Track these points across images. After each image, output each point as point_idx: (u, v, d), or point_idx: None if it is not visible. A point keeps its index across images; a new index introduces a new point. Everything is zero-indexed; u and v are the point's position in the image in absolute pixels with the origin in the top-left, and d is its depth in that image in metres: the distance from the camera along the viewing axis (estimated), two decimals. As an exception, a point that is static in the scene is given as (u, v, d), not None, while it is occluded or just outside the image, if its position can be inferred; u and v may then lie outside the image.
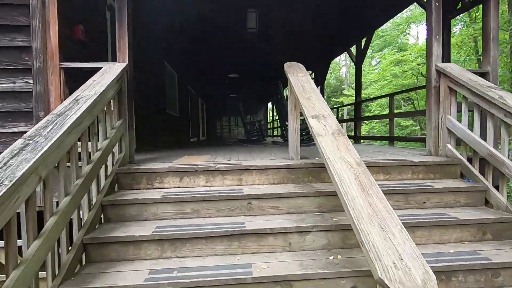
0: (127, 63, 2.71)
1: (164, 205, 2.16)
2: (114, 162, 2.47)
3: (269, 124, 18.44)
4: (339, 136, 1.73)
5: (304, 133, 5.40)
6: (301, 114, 2.33)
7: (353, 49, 7.08)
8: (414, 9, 18.50)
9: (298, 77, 2.50)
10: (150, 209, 2.16)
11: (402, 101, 18.84)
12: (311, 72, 9.53)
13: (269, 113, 23.96)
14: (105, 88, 2.17)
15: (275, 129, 14.89)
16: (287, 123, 4.79)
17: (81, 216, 1.90)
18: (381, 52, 21.94)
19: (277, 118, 14.25)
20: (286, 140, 5.39)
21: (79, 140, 1.88)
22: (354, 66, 6.66)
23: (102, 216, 2.13)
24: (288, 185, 2.47)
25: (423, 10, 4.42)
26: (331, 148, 1.63)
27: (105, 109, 2.29)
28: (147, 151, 4.22)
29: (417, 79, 14.60)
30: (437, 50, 2.98)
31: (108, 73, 2.43)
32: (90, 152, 2.10)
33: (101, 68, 2.51)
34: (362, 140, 7.51)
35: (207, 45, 11.06)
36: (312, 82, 2.46)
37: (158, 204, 2.16)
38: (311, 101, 2.13)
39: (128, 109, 2.74)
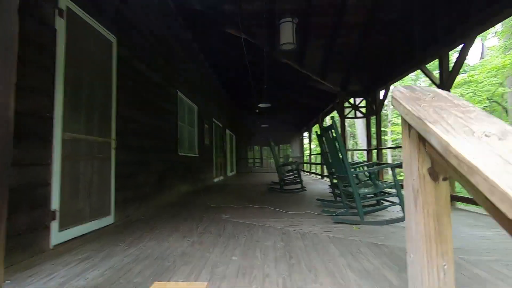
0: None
1: None
2: None
3: (304, 157, 16.40)
4: None
5: (368, 195, 3.41)
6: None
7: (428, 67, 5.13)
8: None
9: (481, 138, 0.66)
10: None
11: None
12: (361, 98, 7.61)
13: (305, 141, 21.91)
14: None
15: (312, 165, 12.84)
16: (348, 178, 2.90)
17: None
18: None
19: (318, 152, 12.22)
20: (344, 202, 3.43)
21: None
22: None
23: None
24: None
25: None
26: None
27: None
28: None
29: (489, 103, 11.90)
30: None
31: None
32: None
33: None
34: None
35: (233, 68, 9.78)
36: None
37: None
38: None
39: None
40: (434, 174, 0.86)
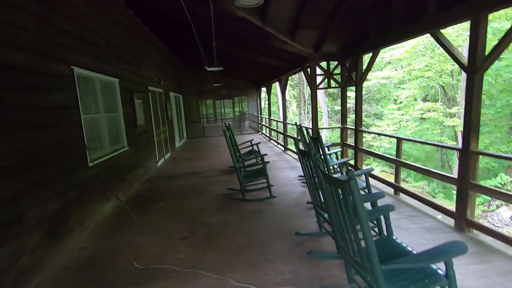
0: None
1: None
2: None
3: (263, 118, 14.98)
4: None
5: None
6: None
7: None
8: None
9: None
10: None
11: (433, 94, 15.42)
12: (336, 62, 6.11)
13: (264, 101, 20.18)
14: None
15: (273, 132, 11.55)
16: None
17: None
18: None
19: (280, 119, 10.68)
20: (350, 277, 2.16)
21: None
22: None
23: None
24: None
25: None
26: None
27: None
28: None
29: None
30: None
31: None
32: None
33: None
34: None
35: (171, 18, 7.45)
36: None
37: None
38: None
39: None
40: None
